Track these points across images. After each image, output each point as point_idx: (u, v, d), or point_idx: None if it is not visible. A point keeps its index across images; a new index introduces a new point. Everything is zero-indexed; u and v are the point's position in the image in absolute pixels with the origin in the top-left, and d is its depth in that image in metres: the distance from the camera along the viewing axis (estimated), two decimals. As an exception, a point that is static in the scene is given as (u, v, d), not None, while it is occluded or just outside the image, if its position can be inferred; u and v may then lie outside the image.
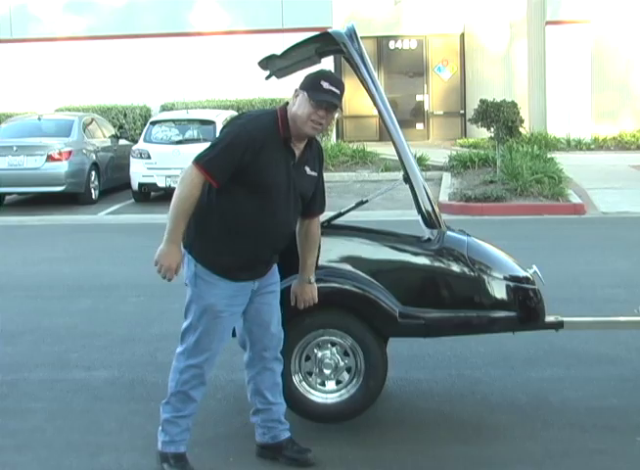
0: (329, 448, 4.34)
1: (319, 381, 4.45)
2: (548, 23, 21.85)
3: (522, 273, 4.55)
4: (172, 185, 14.07)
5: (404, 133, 4.56)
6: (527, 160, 15.19)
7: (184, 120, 15.71)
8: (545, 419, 4.74)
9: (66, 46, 21.61)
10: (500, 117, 14.40)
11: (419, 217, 4.51)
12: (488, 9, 22.73)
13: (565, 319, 4.68)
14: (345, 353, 4.41)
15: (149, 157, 14.77)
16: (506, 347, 5.80)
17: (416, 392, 5.24)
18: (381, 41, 23.41)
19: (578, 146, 20.77)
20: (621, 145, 20.94)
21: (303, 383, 4.45)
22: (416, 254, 4.43)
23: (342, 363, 4.41)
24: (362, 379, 4.39)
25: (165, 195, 14.24)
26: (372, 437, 4.45)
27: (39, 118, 16.14)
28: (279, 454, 4.22)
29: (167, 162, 14.42)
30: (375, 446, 4.40)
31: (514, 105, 14.65)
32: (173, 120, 15.78)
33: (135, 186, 15.01)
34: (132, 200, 15.29)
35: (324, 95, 3.80)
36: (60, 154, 14.67)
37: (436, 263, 4.39)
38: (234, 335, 4.20)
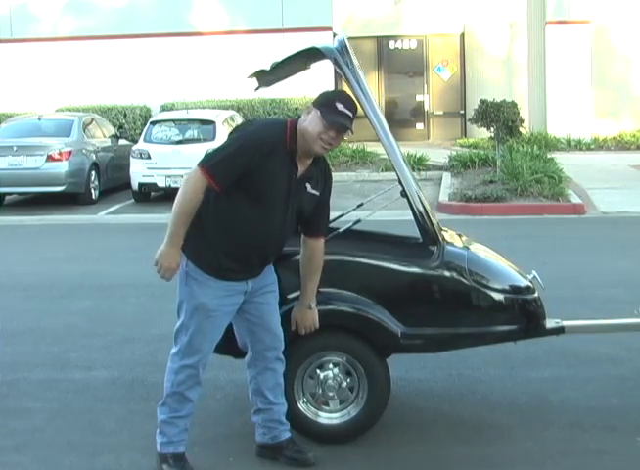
0: (329, 448, 4.34)
1: (322, 401, 4.41)
2: (548, 22, 21.86)
3: (523, 283, 4.52)
4: (172, 185, 14.09)
5: (404, 134, 4.56)
6: (527, 160, 15.19)
7: (184, 120, 15.71)
8: (545, 419, 4.74)
9: (66, 46, 21.61)
10: (500, 117, 14.40)
11: (418, 232, 4.48)
12: (488, 9, 22.73)
13: (565, 324, 4.66)
14: (348, 373, 4.39)
15: (149, 157, 14.77)
16: (506, 347, 5.78)
17: (416, 392, 5.25)
18: (381, 41, 23.40)
19: (578, 146, 20.77)
20: (621, 145, 20.95)
21: (308, 404, 4.42)
22: (416, 273, 4.39)
23: (344, 383, 4.39)
24: (365, 398, 4.37)
25: (165, 195, 14.25)
26: (372, 437, 4.44)
27: (39, 118, 16.14)
28: (279, 454, 4.22)
29: (167, 162, 14.43)
30: (375, 446, 4.40)
31: (514, 105, 14.65)
32: (173, 120, 15.78)
33: (135, 186, 15.01)
34: (132, 200, 15.29)
35: (338, 117, 3.82)
36: (60, 154, 14.67)
37: (437, 281, 4.35)
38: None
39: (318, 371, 4.37)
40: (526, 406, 4.96)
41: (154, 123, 15.66)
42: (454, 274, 4.35)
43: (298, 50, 4.52)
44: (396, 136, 4.58)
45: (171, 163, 14.26)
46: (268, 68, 4.72)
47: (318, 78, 18.63)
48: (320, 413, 4.41)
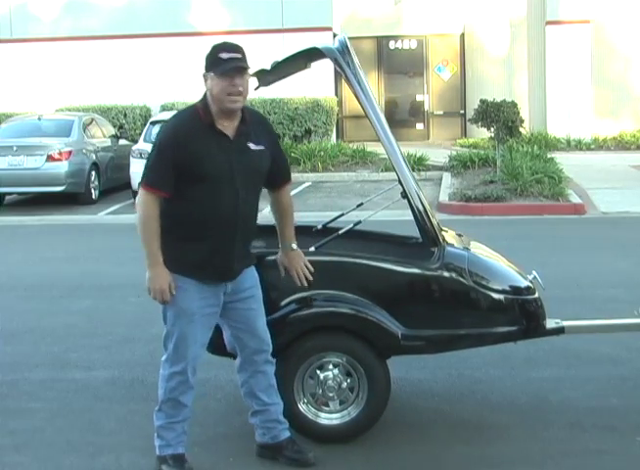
0: (329, 448, 4.34)
1: (323, 401, 4.40)
2: (548, 22, 21.86)
3: (523, 283, 4.53)
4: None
5: (404, 134, 4.56)
6: (527, 160, 15.19)
7: (184, 120, 15.68)
8: (545, 419, 4.74)
9: (66, 46, 21.61)
10: (500, 117, 14.40)
11: (419, 233, 4.48)
12: (488, 9, 22.73)
13: (565, 324, 4.67)
14: (348, 374, 4.39)
15: (149, 157, 14.75)
16: (506, 347, 5.78)
17: (416, 392, 5.25)
18: (381, 41, 23.41)
19: (578, 146, 20.78)
20: (621, 145, 20.95)
21: (309, 405, 4.42)
22: (416, 274, 4.38)
23: (344, 384, 4.38)
24: (365, 398, 4.36)
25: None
26: (372, 437, 4.44)
27: (39, 118, 16.13)
28: (279, 454, 4.21)
29: (167, 162, 14.41)
30: (375, 446, 4.40)
31: (514, 105, 14.66)
32: (173, 120, 15.75)
33: (135, 186, 14.97)
34: (132, 200, 15.26)
35: (228, 64, 3.82)
36: (60, 154, 14.67)
37: (437, 281, 4.35)
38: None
39: (318, 372, 4.37)
40: (526, 406, 4.95)
41: (154, 123, 15.64)
42: (454, 275, 4.35)
43: (299, 50, 4.53)
44: (396, 136, 4.58)
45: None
46: (269, 67, 4.72)
47: (318, 78, 18.67)
48: (320, 414, 4.40)
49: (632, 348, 5.87)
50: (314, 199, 15.09)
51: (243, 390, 4.25)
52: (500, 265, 4.64)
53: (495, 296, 4.39)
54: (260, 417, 4.21)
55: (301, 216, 12.83)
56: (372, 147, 18.03)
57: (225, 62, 3.81)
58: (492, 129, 14.69)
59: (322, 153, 18.25)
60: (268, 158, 4.02)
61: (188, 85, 20.78)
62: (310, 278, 4.19)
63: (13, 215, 14.03)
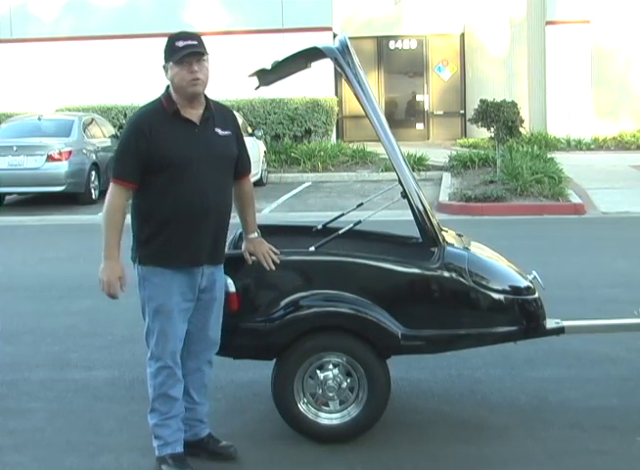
0: (329, 448, 4.34)
1: (323, 401, 4.40)
2: (548, 22, 21.87)
3: (523, 283, 4.53)
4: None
5: (404, 134, 4.56)
6: (527, 160, 15.20)
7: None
8: (545, 419, 4.74)
9: (66, 46, 21.61)
10: (500, 117, 14.40)
11: (419, 233, 4.49)
12: (488, 9, 22.73)
13: (565, 324, 4.67)
14: (348, 374, 4.38)
15: (149, 157, 14.75)
16: (506, 347, 5.78)
17: (416, 392, 5.25)
18: (381, 41, 23.41)
19: (578, 146, 20.79)
20: (621, 145, 20.96)
21: (309, 405, 4.42)
22: (416, 274, 4.38)
23: (344, 384, 4.38)
24: (365, 398, 4.36)
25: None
26: (372, 437, 4.44)
27: (39, 118, 16.12)
28: (201, 450, 4.25)
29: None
30: (375, 445, 4.40)
31: (514, 105, 14.66)
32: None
33: (135, 186, 14.98)
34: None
35: (184, 50, 3.87)
36: (60, 154, 14.66)
37: (437, 281, 4.34)
38: None
39: (318, 372, 4.37)
40: (526, 406, 4.95)
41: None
42: (454, 275, 4.34)
43: (300, 49, 4.53)
44: (396, 136, 4.58)
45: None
46: (269, 67, 4.73)
47: (318, 78, 18.68)
48: (320, 414, 4.40)
49: (632, 348, 5.87)
50: (314, 199, 15.09)
51: None
52: (500, 265, 4.64)
53: (495, 296, 4.39)
54: (186, 414, 4.21)
55: (301, 216, 12.85)
56: (372, 147, 18.04)
57: (182, 49, 3.88)
58: (492, 129, 14.70)
59: (322, 153, 18.26)
60: (235, 143, 4.09)
61: (188, 85, 20.87)
62: (277, 261, 4.21)
63: (13, 215, 14.03)
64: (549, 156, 16.54)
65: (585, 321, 5.13)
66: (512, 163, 14.82)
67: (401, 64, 23.76)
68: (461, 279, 4.34)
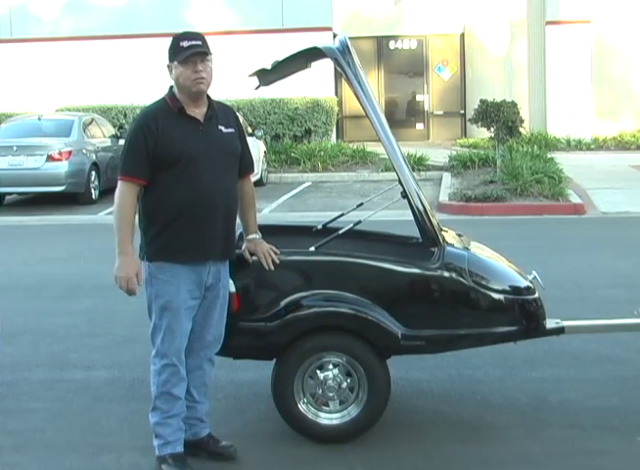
0: (329, 448, 4.34)
1: (323, 401, 4.40)
2: (548, 22, 21.87)
3: (523, 283, 4.52)
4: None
5: (404, 134, 4.56)
6: (527, 160, 15.20)
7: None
8: (545, 419, 4.74)
9: (66, 46, 21.61)
10: (500, 117, 14.40)
11: (419, 233, 4.48)
12: (488, 9, 22.74)
13: (565, 324, 4.67)
14: (348, 374, 4.38)
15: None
16: (506, 347, 5.78)
17: (416, 392, 5.25)
18: (381, 41, 23.41)
19: (578, 146, 20.79)
20: (621, 145, 20.96)
21: (309, 405, 4.42)
22: (416, 274, 4.37)
23: (344, 384, 4.38)
24: (365, 398, 4.36)
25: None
26: (372, 437, 4.44)
27: (39, 118, 16.12)
28: (200, 450, 4.25)
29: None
30: (375, 445, 4.40)
31: (514, 105, 14.66)
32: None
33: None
34: (132, 200, 15.26)
35: (188, 51, 3.90)
36: (60, 154, 14.66)
37: (437, 281, 4.34)
38: None
39: (318, 372, 4.37)
40: (526, 407, 4.95)
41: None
42: (454, 275, 4.34)
43: (300, 49, 4.53)
44: (396, 136, 4.58)
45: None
46: (269, 67, 4.73)
47: (318, 78, 18.68)
48: (320, 414, 4.40)
49: (632, 348, 5.87)
50: (314, 199, 15.10)
51: None
52: (500, 265, 4.64)
53: (495, 296, 4.39)
54: (187, 413, 4.21)
55: (301, 216, 12.86)
56: (372, 147, 18.04)
57: (187, 49, 3.91)
58: (492, 129, 14.70)
59: (322, 153, 18.26)
60: (238, 141, 4.13)
61: (188, 85, 20.87)
62: (277, 261, 4.21)
63: (13, 215, 14.03)
64: (549, 156, 16.54)
65: (585, 321, 5.13)
66: (512, 163, 14.83)
67: (401, 64, 23.76)
68: (461, 279, 4.34)
